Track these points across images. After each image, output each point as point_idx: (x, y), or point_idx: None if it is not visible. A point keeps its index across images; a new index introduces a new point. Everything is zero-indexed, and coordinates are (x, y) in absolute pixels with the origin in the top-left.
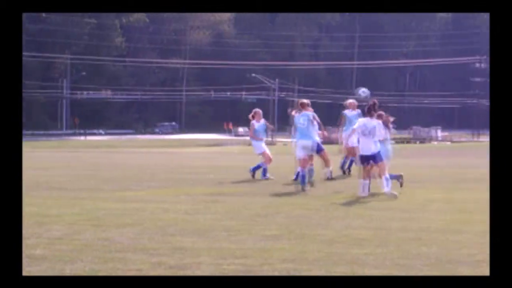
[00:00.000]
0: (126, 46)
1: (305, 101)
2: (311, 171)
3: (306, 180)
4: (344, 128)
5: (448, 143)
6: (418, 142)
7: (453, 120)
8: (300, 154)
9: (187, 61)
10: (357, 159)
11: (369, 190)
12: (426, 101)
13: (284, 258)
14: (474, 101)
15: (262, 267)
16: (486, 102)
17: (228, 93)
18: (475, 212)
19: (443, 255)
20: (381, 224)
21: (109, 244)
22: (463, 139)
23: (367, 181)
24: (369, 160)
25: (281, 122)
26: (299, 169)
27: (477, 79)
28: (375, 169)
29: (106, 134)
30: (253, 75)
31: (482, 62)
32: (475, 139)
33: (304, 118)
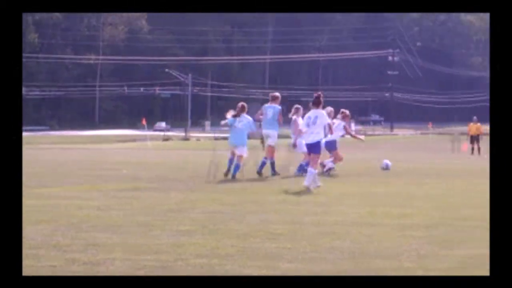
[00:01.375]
0: (39, 43)
1: (277, 94)
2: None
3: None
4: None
5: (362, 136)
6: None
7: (367, 113)
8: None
9: (101, 57)
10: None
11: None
12: (340, 95)
13: (198, 253)
14: (387, 94)
15: (176, 262)
16: (400, 95)
17: (142, 88)
18: (390, 206)
19: (357, 248)
20: (295, 218)
21: (24, 241)
22: (377, 132)
23: (315, 170)
24: (311, 149)
25: (195, 117)
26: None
27: (391, 72)
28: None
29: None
30: (167, 70)
31: (395, 56)
32: (389, 132)
33: (272, 110)
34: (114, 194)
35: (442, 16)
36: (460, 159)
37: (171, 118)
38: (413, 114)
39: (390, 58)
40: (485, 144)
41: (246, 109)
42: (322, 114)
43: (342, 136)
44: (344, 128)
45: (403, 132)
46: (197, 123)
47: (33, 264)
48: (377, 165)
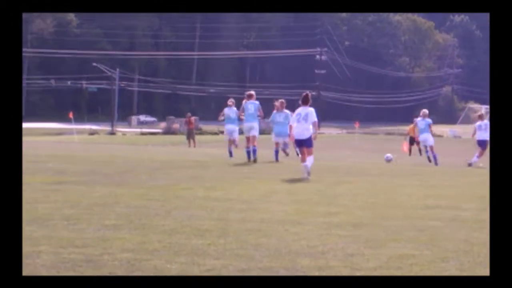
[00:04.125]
0: None
1: (252, 92)
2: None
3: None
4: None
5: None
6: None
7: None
8: (249, 133)
9: (28, 49)
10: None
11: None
12: (266, 92)
13: (124, 248)
14: (314, 93)
15: (102, 256)
16: (328, 94)
17: (69, 82)
18: (316, 204)
19: (283, 246)
20: (222, 215)
21: None
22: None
23: (306, 163)
24: (302, 143)
25: (121, 112)
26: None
27: (319, 71)
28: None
29: None
30: (94, 64)
31: (323, 54)
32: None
33: (253, 106)
34: (40, 187)
35: (370, 16)
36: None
37: (97, 112)
38: (340, 113)
39: (317, 56)
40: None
41: (285, 104)
42: (311, 112)
43: None
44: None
45: (330, 131)
46: (123, 118)
47: None
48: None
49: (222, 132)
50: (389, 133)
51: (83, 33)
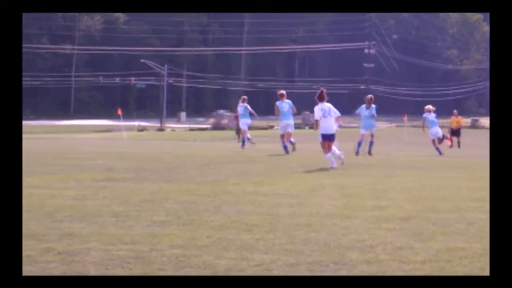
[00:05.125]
0: None
1: (283, 92)
2: (293, 143)
3: (289, 149)
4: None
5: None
6: (307, 127)
7: (341, 105)
8: (287, 130)
9: (77, 46)
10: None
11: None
12: (315, 87)
13: (173, 244)
14: (363, 87)
15: (151, 252)
16: (376, 88)
17: (117, 79)
18: (365, 198)
19: (332, 240)
20: (271, 210)
21: None
22: (352, 125)
23: (330, 154)
24: (331, 138)
25: (170, 108)
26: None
27: (367, 65)
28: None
29: None
30: (143, 61)
31: (371, 48)
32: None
33: (287, 105)
34: (89, 184)
35: None
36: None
37: (146, 108)
38: (388, 107)
39: (366, 50)
40: (466, 137)
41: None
42: (332, 107)
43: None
44: None
45: (378, 125)
46: (172, 114)
47: None
48: (352, 157)
49: (271, 127)
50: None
51: (131, 30)
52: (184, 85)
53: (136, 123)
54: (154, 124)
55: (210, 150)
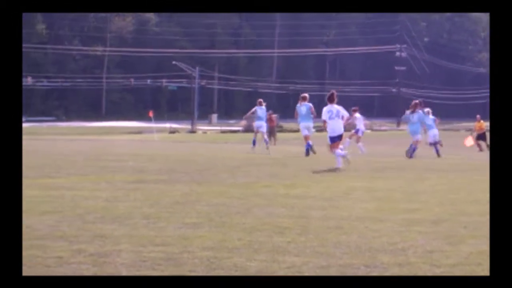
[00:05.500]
0: (47, 33)
1: (306, 95)
2: (311, 145)
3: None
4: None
5: (369, 131)
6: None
7: (372, 108)
8: (304, 132)
9: (108, 48)
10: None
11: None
12: (346, 89)
13: (204, 246)
14: (394, 90)
15: (182, 254)
16: (407, 91)
17: (149, 81)
18: (397, 201)
19: (363, 243)
20: (302, 213)
21: (29, 232)
22: (383, 128)
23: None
24: (338, 138)
25: (201, 110)
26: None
27: (399, 68)
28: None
29: (27, 121)
30: (174, 62)
31: (402, 51)
32: (395, 128)
33: (305, 107)
34: (120, 186)
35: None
36: (464, 155)
37: (177, 110)
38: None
39: (397, 53)
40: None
41: (421, 105)
42: (341, 109)
43: None
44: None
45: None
46: (203, 116)
47: (39, 254)
48: (382, 160)
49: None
50: (469, 129)
51: (162, 32)
52: (216, 87)
53: (167, 125)
54: (186, 126)
55: (241, 153)
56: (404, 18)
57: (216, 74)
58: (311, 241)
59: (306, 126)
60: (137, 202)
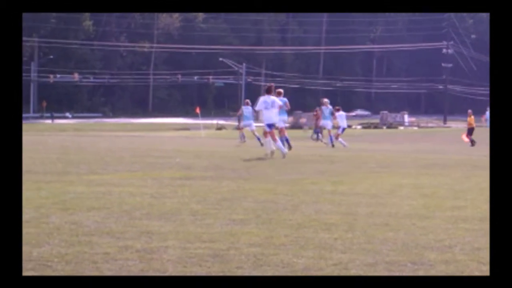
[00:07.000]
0: (94, 30)
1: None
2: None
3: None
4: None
5: (415, 128)
6: (385, 127)
7: (419, 105)
8: (280, 125)
9: (155, 45)
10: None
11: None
12: (393, 86)
13: (251, 243)
14: (441, 87)
15: (229, 251)
16: (455, 88)
17: (196, 77)
18: (444, 198)
19: (410, 240)
20: (349, 209)
21: (76, 228)
22: (430, 125)
23: (269, 139)
24: (274, 126)
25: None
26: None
27: (446, 65)
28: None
29: (74, 117)
30: (221, 59)
31: (449, 48)
32: (442, 124)
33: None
34: (167, 182)
35: None
36: None
37: (224, 107)
38: (466, 107)
39: (444, 50)
40: None
41: None
42: (276, 99)
43: None
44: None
45: (457, 125)
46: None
47: (86, 251)
48: (429, 157)
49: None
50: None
51: (209, 28)
52: (262, 83)
53: (214, 121)
54: (232, 122)
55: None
56: (451, 15)
57: (263, 71)
58: (358, 238)
59: (282, 119)
60: (184, 198)
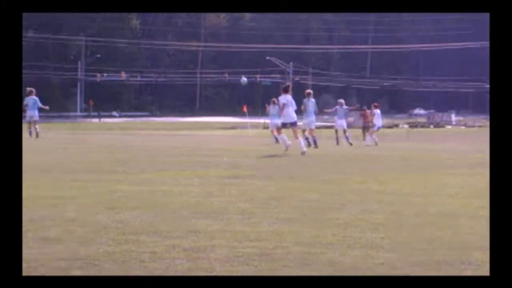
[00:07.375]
0: (141, 29)
1: (310, 91)
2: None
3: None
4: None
5: (463, 127)
6: (432, 126)
7: (467, 104)
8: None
9: (202, 43)
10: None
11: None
12: (441, 85)
13: (297, 241)
14: (488, 86)
15: (275, 250)
16: None
17: (243, 76)
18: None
19: (457, 240)
20: (396, 209)
21: (123, 227)
22: (477, 124)
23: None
24: (290, 125)
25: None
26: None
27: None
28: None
29: (121, 116)
30: (268, 58)
31: None
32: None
33: (312, 103)
34: (214, 181)
35: None
36: None
37: None
38: None
39: None
40: None
41: None
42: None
43: None
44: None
45: None
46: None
47: (133, 249)
48: (476, 156)
49: (396, 126)
50: None
51: (257, 27)
52: (310, 82)
53: (261, 120)
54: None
55: (333, 148)
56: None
57: (310, 70)
58: (405, 237)
59: (312, 120)
60: (232, 197)
